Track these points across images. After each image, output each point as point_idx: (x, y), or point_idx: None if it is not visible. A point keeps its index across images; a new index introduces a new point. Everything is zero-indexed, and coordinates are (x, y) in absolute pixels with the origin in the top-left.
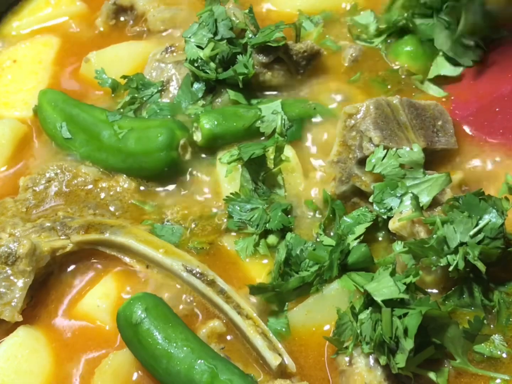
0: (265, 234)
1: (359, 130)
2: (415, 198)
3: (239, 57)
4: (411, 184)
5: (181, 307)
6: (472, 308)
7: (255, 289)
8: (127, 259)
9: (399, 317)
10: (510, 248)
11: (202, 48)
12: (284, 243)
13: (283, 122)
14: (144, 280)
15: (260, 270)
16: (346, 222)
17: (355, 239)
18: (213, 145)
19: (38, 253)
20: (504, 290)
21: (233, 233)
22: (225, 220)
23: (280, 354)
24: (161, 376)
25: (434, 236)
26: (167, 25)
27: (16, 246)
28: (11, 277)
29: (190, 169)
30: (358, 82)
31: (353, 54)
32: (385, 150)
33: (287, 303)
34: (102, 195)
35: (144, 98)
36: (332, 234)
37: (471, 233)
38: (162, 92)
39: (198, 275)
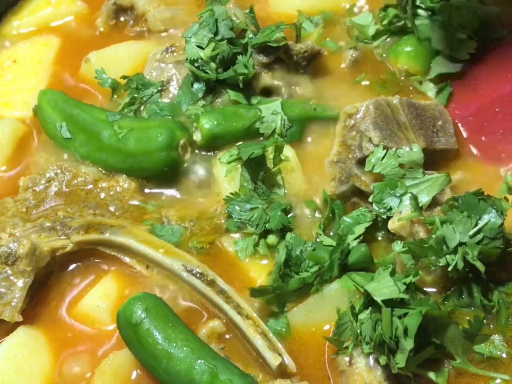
0: (264, 234)
1: (359, 130)
2: (414, 198)
3: (240, 57)
4: (410, 184)
5: (181, 307)
6: (472, 308)
7: (256, 292)
8: (127, 259)
9: (399, 317)
10: (510, 248)
11: (202, 48)
12: (284, 244)
13: (283, 122)
14: (144, 280)
15: (260, 271)
16: (345, 222)
17: (355, 239)
18: (212, 145)
19: (38, 253)
20: (503, 290)
21: (233, 234)
22: (225, 220)
23: (280, 354)
24: (161, 376)
25: (434, 236)
26: (167, 25)
27: (16, 246)
28: (11, 277)
29: (190, 169)
30: (358, 83)
31: (353, 55)
32: (385, 150)
33: (287, 304)
34: (102, 195)
35: (144, 98)
36: (331, 234)
37: (471, 233)
38: (162, 92)
39: (198, 275)
